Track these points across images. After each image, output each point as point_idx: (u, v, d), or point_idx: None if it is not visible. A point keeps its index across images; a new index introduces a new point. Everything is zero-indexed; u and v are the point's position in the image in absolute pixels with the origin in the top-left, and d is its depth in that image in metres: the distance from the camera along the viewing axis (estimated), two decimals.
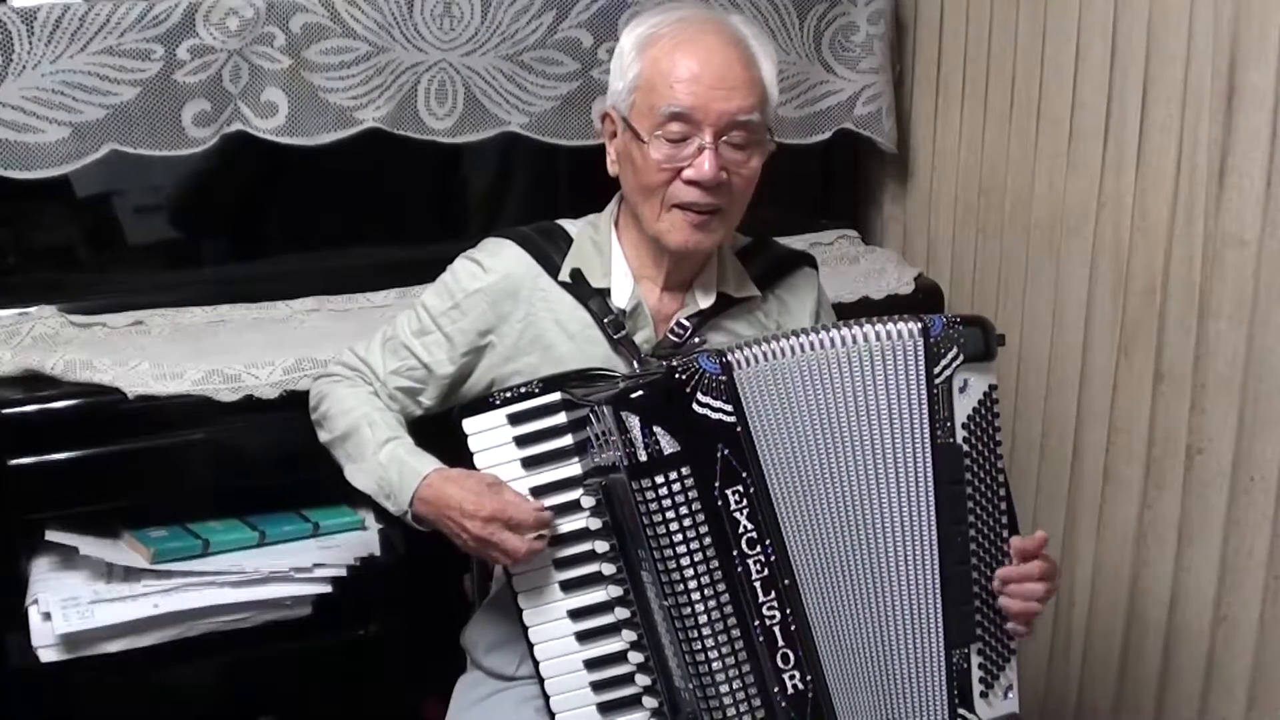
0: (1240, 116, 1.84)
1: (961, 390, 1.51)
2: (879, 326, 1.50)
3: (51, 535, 1.91)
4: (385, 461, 1.63)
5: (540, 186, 2.42)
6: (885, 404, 1.50)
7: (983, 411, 1.52)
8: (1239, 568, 1.93)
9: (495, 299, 1.68)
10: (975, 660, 1.54)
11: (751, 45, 1.62)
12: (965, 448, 1.51)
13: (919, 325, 1.50)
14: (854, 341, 1.50)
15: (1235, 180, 1.86)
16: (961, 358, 1.51)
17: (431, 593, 2.06)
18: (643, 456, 1.45)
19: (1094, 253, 2.13)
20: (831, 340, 1.50)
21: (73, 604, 1.86)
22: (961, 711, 1.54)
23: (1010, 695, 1.56)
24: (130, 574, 1.92)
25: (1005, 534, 1.54)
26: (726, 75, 1.57)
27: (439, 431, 1.68)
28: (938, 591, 1.52)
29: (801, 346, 1.50)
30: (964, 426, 1.51)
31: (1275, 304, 1.84)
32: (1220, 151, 1.88)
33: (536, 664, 1.59)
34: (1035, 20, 2.21)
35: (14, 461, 1.88)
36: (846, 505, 1.51)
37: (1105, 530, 2.16)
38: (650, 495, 1.46)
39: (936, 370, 1.50)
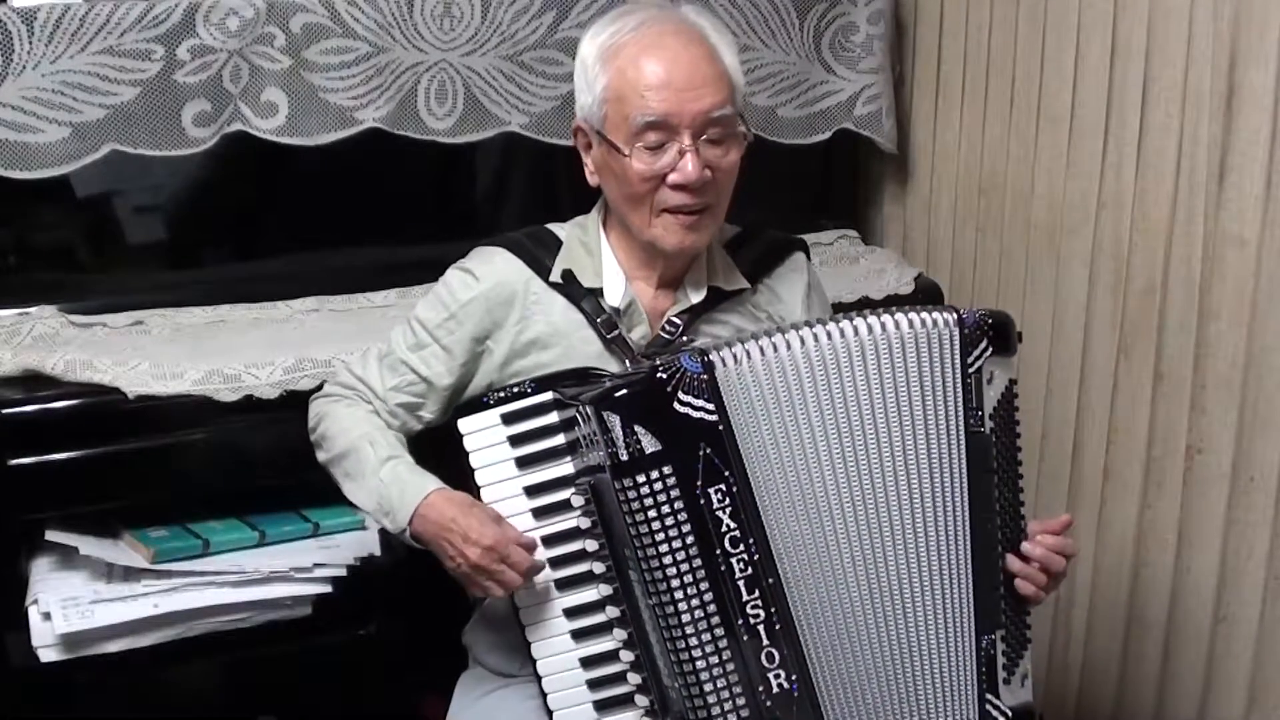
0: (1240, 116, 1.84)
1: (989, 382, 1.54)
2: (913, 315, 1.52)
3: (51, 535, 1.91)
4: (386, 479, 1.63)
5: (540, 186, 2.42)
6: (918, 392, 1.51)
7: (1005, 403, 1.55)
8: (1239, 568, 1.93)
9: (490, 306, 1.68)
10: (1000, 647, 1.55)
11: (711, 38, 1.62)
12: (993, 438, 1.54)
13: (954, 315, 1.53)
14: (882, 330, 1.51)
15: (1235, 180, 1.86)
16: (991, 349, 1.54)
17: (431, 592, 2.05)
18: (624, 456, 1.45)
19: (1094, 253, 2.13)
20: (855, 329, 1.50)
21: (73, 604, 1.86)
22: (989, 696, 1.55)
23: (1026, 684, 1.58)
24: (130, 574, 1.91)
25: (1023, 524, 1.57)
26: (694, 75, 1.57)
27: (436, 456, 1.68)
28: (969, 578, 1.53)
29: (802, 339, 1.50)
30: (991, 417, 1.53)
31: (1275, 304, 1.84)
32: (1220, 151, 1.88)
33: (534, 662, 1.60)
34: (1035, 20, 2.21)
35: (14, 461, 1.88)
36: (853, 500, 1.51)
37: (1105, 530, 2.16)
38: (632, 494, 1.46)
39: (970, 360, 1.53)
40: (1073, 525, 2.18)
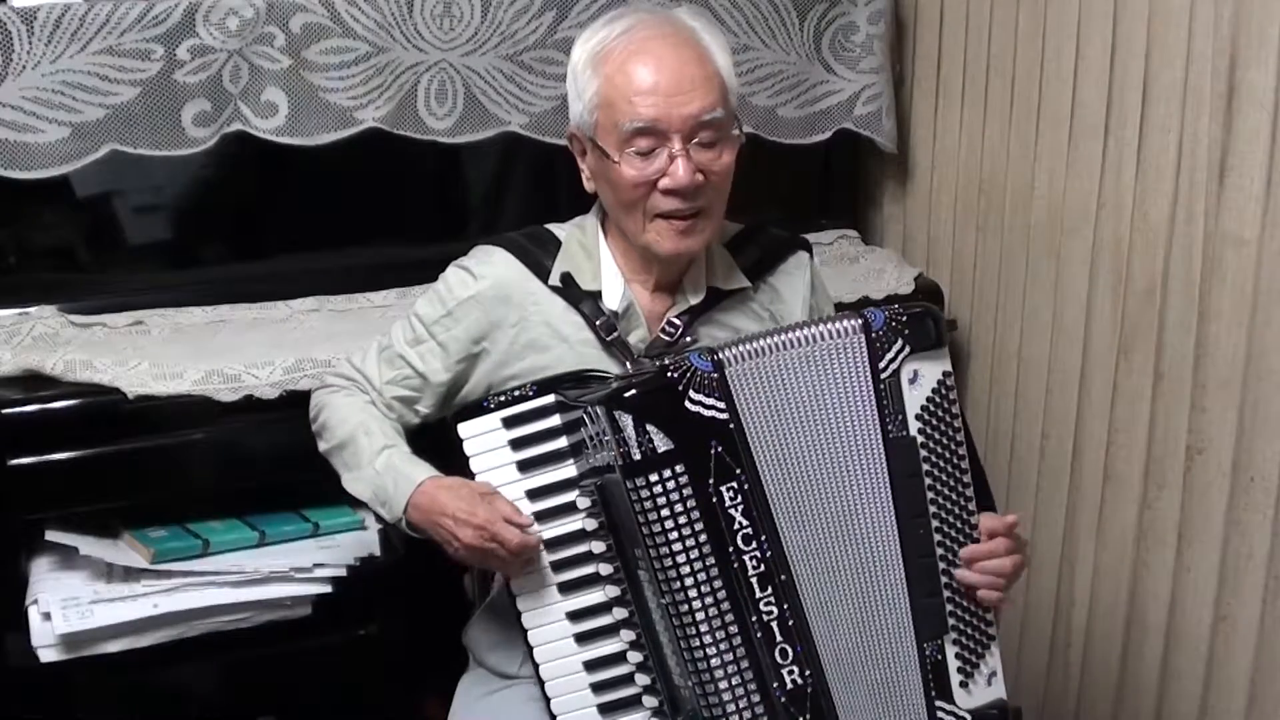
0: (1240, 116, 1.84)
1: (912, 382, 1.52)
2: (824, 325, 1.52)
3: (51, 535, 1.91)
4: (381, 469, 1.63)
5: (540, 186, 2.42)
6: (839, 402, 1.51)
7: (938, 400, 1.53)
8: (1239, 568, 1.93)
9: (488, 306, 1.68)
10: (951, 651, 1.55)
11: (702, 39, 1.60)
12: (921, 439, 1.52)
13: (859, 321, 1.51)
14: (809, 341, 1.51)
15: (1235, 180, 1.86)
16: (908, 349, 1.51)
17: (431, 593, 2.06)
18: (636, 455, 1.46)
19: (1094, 253, 2.13)
20: (799, 339, 1.51)
21: (73, 604, 1.86)
22: (940, 703, 1.54)
23: (994, 682, 1.56)
24: (130, 574, 1.92)
25: (973, 521, 1.55)
26: (682, 79, 1.56)
27: (435, 445, 1.68)
28: (904, 586, 1.53)
29: (782, 344, 1.51)
30: (918, 418, 1.52)
31: (1275, 304, 1.84)
32: (1220, 151, 1.88)
33: (536, 666, 1.60)
34: (1035, 20, 2.21)
35: (14, 461, 1.88)
36: (830, 501, 1.52)
37: (1105, 530, 2.16)
38: (645, 494, 1.46)
39: (882, 365, 1.51)
40: (1071, 526, 2.21)
